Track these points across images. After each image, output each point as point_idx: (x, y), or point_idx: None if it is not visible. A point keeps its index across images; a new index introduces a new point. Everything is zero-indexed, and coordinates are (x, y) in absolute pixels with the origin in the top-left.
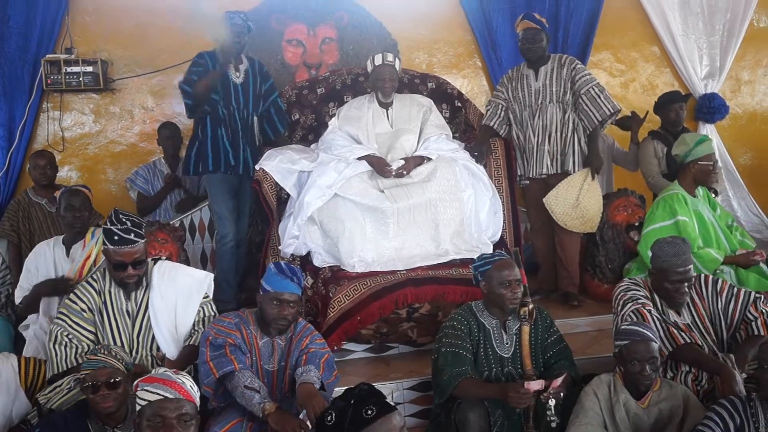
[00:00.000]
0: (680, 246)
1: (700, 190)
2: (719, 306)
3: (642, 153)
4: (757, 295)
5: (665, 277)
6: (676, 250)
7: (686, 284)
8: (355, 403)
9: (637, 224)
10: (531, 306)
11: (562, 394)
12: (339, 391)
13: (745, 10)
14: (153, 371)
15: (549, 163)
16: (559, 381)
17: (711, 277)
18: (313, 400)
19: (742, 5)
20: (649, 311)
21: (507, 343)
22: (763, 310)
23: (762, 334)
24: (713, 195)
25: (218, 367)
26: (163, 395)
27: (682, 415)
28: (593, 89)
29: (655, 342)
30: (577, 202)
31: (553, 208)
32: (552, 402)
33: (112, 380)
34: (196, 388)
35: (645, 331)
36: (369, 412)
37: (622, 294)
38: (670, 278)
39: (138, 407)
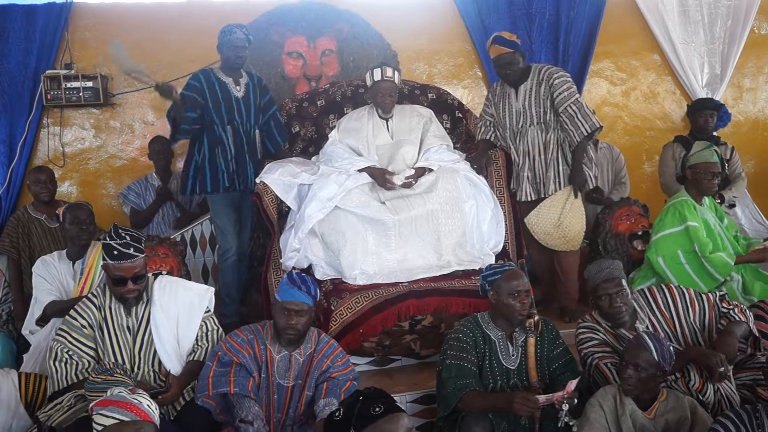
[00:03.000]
0: (605, 262)
1: (706, 200)
2: (691, 318)
3: (662, 155)
4: (723, 294)
5: (596, 295)
6: (599, 265)
7: (618, 300)
8: (363, 400)
9: (640, 233)
10: (537, 317)
11: (575, 400)
12: None
13: (746, 17)
14: (108, 392)
15: (529, 190)
16: (573, 385)
17: (676, 290)
18: None
19: (743, 12)
20: (606, 364)
21: (513, 355)
22: (732, 304)
23: (741, 320)
24: (727, 205)
25: (215, 386)
26: (118, 419)
27: (690, 427)
28: (570, 108)
29: (651, 353)
30: (559, 222)
31: (534, 228)
32: (566, 407)
33: None
34: (154, 406)
35: (648, 341)
36: (377, 409)
37: (579, 346)
38: (600, 294)
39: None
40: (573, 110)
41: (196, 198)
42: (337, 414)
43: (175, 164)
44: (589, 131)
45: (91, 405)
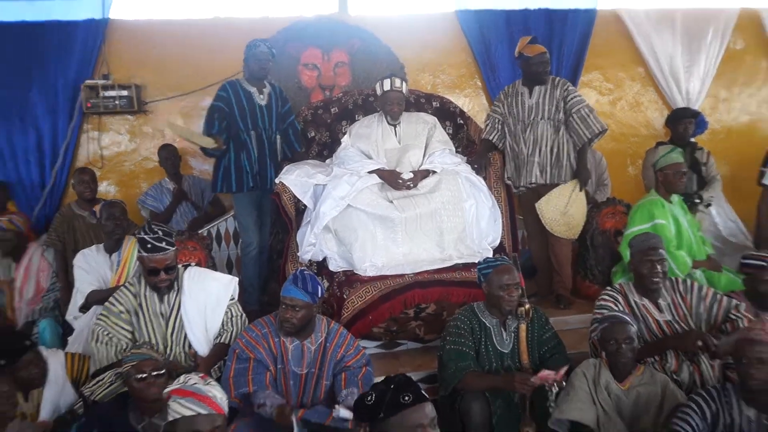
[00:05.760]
0: (650, 235)
1: (675, 197)
2: (701, 308)
3: (645, 160)
4: (738, 303)
5: (640, 260)
6: (646, 236)
7: (659, 266)
8: (394, 388)
9: (623, 230)
10: (528, 306)
11: (564, 383)
12: None
13: (724, 35)
14: (183, 379)
15: (538, 174)
16: (563, 371)
17: (696, 283)
18: None
19: (721, 30)
20: None
21: (506, 340)
22: (746, 315)
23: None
24: (705, 204)
25: (236, 387)
26: (197, 411)
27: (660, 402)
28: (583, 110)
29: (632, 325)
30: (565, 210)
31: (543, 212)
32: (554, 390)
33: (157, 371)
34: (225, 397)
35: (623, 316)
36: (406, 398)
37: (596, 310)
38: (644, 259)
39: (170, 416)
40: (586, 112)
41: (207, 196)
42: (369, 398)
43: (186, 167)
44: (600, 130)
45: (167, 390)
